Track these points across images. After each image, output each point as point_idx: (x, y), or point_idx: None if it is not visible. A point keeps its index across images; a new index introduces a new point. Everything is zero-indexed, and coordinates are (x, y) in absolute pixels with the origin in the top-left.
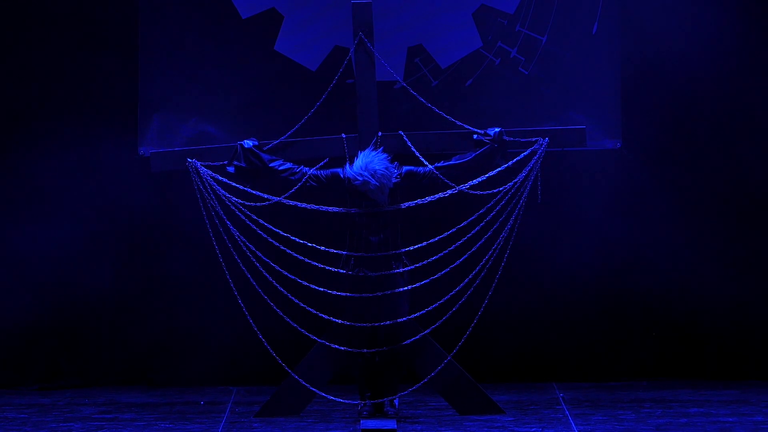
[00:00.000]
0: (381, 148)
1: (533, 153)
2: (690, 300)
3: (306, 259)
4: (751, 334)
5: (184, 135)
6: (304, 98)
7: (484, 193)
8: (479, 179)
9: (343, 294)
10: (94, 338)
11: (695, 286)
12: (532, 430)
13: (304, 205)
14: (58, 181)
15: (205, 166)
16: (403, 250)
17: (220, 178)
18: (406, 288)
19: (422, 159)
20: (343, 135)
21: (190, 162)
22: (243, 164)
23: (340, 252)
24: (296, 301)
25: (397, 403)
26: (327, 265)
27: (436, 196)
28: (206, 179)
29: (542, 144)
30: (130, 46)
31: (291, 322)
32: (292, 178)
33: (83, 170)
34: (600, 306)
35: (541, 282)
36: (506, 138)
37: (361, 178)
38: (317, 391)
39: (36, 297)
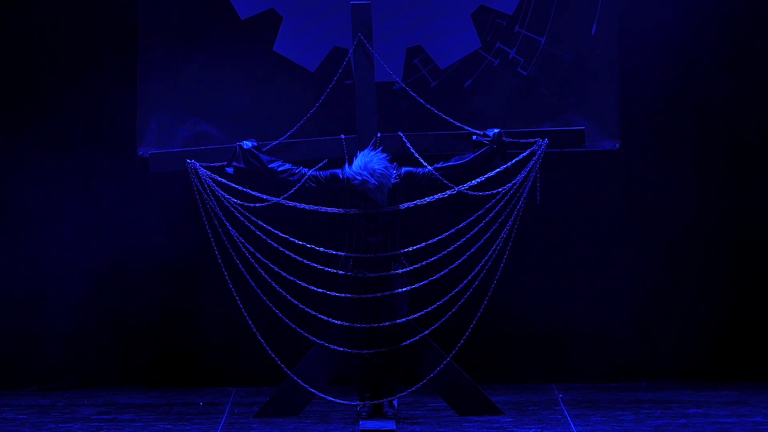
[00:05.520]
0: (380, 149)
1: (532, 154)
2: (689, 300)
3: (305, 260)
4: (750, 335)
5: (183, 136)
6: (303, 99)
7: (484, 194)
8: (478, 180)
9: (343, 295)
10: (92, 339)
11: (694, 286)
12: (531, 431)
13: (303, 206)
14: (54, 183)
15: (204, 167)
16: (402, 251)
17: (219, 179)
18: (405, 289)
19: (421, 160)
20: (342, 136)
21: (189, 163)
22: (242, 165)
23: (339, 253)
24: (295, 302)
25: (396, 404)
26: (326, 266)
27: (436, 196)
28: (205, 180)
29: (541, 145)
30: (129, 46)
31: (290, 323)
32: (291, 179)
33: (81, 172)
34: (599, 306)
35: (540, 283)
36: (505, 139)
37: (360, 178)
38: (316, 392)
39: (34, 298)
